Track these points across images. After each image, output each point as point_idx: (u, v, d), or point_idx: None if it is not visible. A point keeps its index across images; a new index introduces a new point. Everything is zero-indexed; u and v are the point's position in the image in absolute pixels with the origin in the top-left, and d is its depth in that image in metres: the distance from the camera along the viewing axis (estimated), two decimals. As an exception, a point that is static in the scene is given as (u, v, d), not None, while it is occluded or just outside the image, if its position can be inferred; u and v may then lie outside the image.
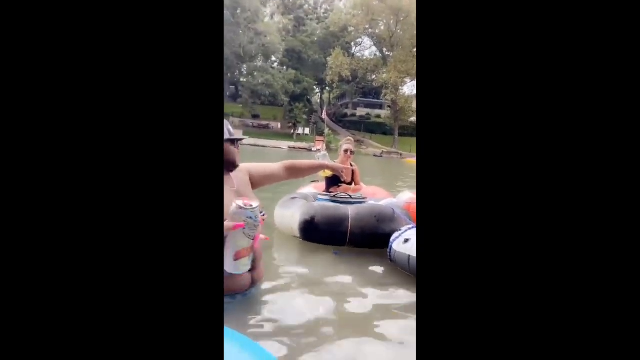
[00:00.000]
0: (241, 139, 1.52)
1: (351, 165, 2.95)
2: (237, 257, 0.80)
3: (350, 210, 2.29)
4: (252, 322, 1.30)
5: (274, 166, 1.71)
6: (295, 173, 1.76)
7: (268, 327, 1.27)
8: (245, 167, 1.59)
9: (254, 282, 1.46)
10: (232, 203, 0.80)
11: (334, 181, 2.94)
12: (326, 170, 2.40)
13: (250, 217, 0.79)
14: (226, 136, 1.41)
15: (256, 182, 1.63)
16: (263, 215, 0.83)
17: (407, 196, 3.08)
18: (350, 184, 3.00)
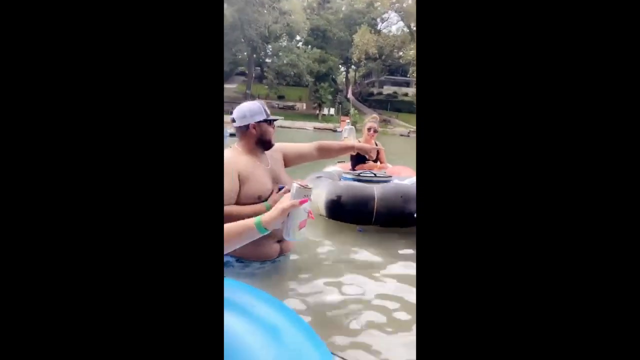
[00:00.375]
0: (276, 119, 1.59)
1: (376, 144, 2.96)
2: (301, 226, 0.94)
3: (376, 190, 2.30)
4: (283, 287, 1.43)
5: (306, 146, 1.78)
6: (326, 153, 1.82)
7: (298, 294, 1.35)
8: (280, 147, 1.66)
9: (282, 252, 1.59)
10: (292, 183, 0.94)
11: (359, 159, 2.98)
12: (347, 139, 2.50)
13: (308, 196, 0.94)
14: (264, 116, 1.51)
15: (289, 161, 1.70)
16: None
17: None
18: (375, 162, 3.01)
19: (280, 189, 1.51)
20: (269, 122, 1.54)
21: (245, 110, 1.50)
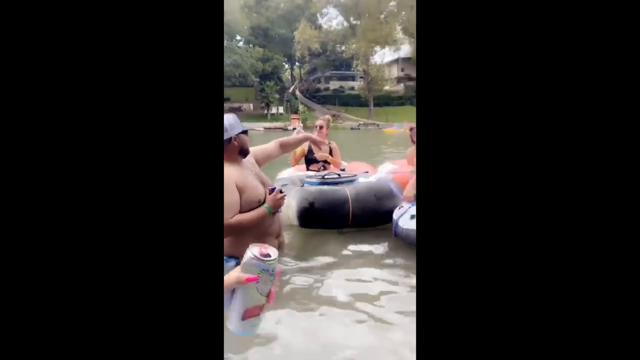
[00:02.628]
0: (251, 129, 1.75)
1: (329, 143, 3.00)
2: (245, 316, 0.66)
3: (349, 191, 2.21)
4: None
5: (269, 146, 1.91)
6: (287, 147, 1.98)
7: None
8: (251, 152, 1.77)
9: (280, 248, 1.71)
10: (247, 250, 0.67)
11: (311, 159, 3.02)
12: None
13: (267, 270, 0.65)
14: (241, 128, 1.64)
15: (259, 163, 1.81)
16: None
17: (389, 167, 3.09)
18: (327, 161, 3.02)
19: (272, 191, 1.62)
20: (245, 132, 1.66)
21: (225, 125, 1.58)
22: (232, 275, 0.66)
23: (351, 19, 34.75)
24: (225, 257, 1.53)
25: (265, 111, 32.70)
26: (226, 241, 1.52)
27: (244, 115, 31.56)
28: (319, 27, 36.38)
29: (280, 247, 1.72)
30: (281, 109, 33.53)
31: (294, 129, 3.19)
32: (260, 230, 1.59)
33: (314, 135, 3.02)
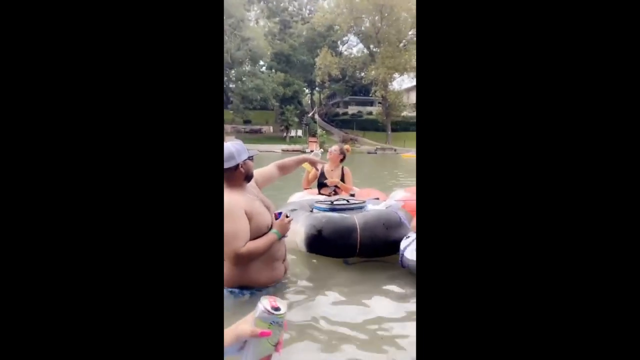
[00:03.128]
0: (256, 153, 1.75)
1: (342, 169, 3.12)
2: None
3: (358, 220, 2.22)
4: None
5: (268, 169, 1.95)
6: (285, 169, 2.02)
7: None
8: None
9: (285, 271, 1.76)
10: (258, 304, 0.70)
11: (323, 184, 3.11)
12: (307, 164, 2.74)
13: (277, 323, 0.68)
14: (247, 154, 1.65)
15: (259, 186, 1.83)
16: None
17: (400, 195, 3.09)
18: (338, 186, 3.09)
19: (278, 215, 1.64)
20: (251, 158, 1.67)
21: (232, 152, 1.59)
22: (245, 327, 0.68)
23: (371, 46, 35.54)
24: (237, 290, 1.54)
25: (285, 134, 33.23)
26: (237, 270, 1.52)
27: (263, 137, 32.18)
28: (340, 54, 37.32)
29: (285, 271, 1.78)
30: (300, 132, 34.03)
31: (312, 151, 3.29)
32: (268, 256, 1.60)
33: (329, 160, 3.11)
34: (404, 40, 33.31)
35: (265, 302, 0.69)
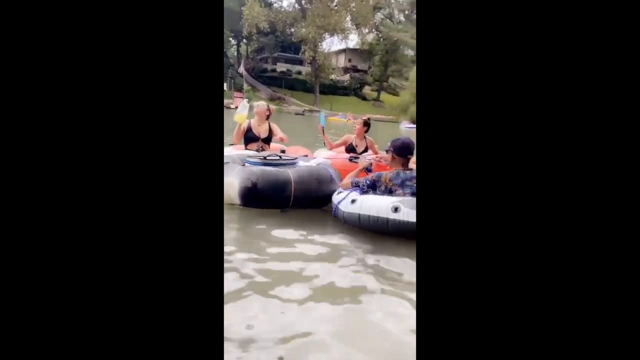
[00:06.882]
0: None
1: (269, 125, 3.26)
2: None
3: (292, 174, 2.32)
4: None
5: None
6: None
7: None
8: None
9: None
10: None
11: (250, 139, 3.20)
12: (240, 114, 2.93)
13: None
14: None
15: None
16: None
17: (324, 153, 3.30)
18: (266, 140, 3.23)
19: None
20: None
21: None
22: None
23: (302, 1, 34.26)
24: None
25: (207, 87, 31.16)
26: None
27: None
28: (270, 5, 35.33)
29: None
30: (225, 86, 32.22)
31: (236, 107, 3.25)
32: None
33: (254, 120, 3.19)
34: (335, 0, 32.70)
35: None
